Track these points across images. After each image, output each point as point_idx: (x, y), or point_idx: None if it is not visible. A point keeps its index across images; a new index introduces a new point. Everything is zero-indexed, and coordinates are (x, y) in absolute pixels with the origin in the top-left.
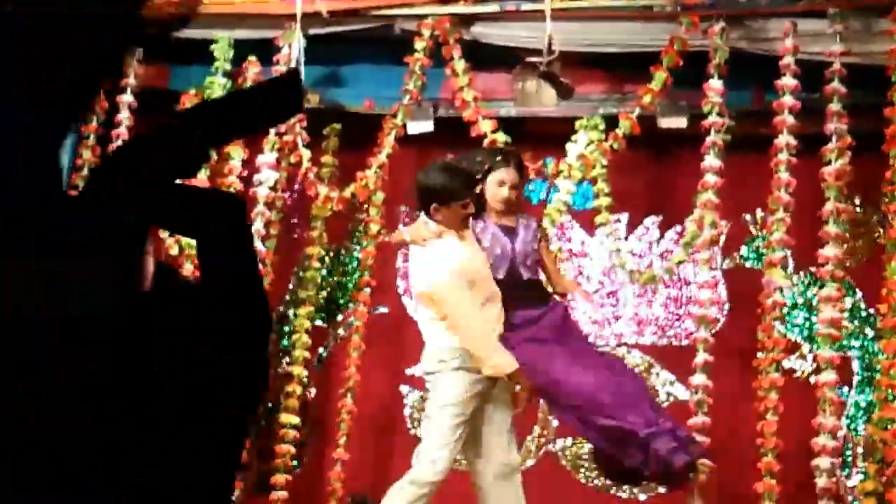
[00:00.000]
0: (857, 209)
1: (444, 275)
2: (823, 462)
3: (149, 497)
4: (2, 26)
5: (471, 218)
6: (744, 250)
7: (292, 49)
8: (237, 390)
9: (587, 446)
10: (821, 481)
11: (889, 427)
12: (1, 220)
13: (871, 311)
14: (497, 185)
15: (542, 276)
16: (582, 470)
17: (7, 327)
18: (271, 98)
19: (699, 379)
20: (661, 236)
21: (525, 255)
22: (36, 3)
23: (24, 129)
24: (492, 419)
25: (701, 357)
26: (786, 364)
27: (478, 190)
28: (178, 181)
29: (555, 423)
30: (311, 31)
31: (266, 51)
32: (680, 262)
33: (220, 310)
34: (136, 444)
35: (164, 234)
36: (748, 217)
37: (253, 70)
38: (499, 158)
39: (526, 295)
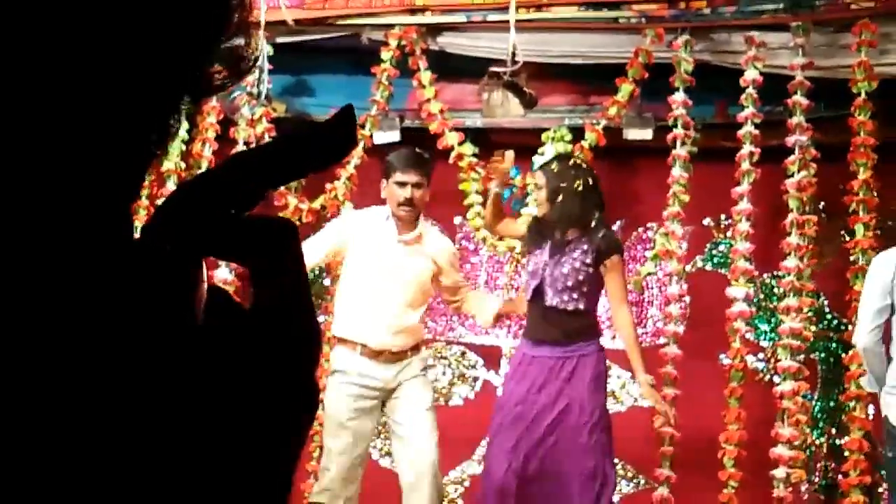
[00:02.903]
0: (822, 215)
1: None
2: (780, 472)
3: None
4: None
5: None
6: (705, 254)
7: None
8: (284, 416)
9: None
10: (777, 491)
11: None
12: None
13: (836, 315)
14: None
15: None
16: None
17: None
18: (328, 136)
19: (667, 388)
20: (624, 242)
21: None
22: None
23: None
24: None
25: (668, 367)
26: (749, 364)
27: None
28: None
29: None
30: (278, 40)
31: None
32: (648, 274)
33: (270, 335)
34: (170, 471)
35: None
36: (711, 222)
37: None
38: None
39: (547, 325)
